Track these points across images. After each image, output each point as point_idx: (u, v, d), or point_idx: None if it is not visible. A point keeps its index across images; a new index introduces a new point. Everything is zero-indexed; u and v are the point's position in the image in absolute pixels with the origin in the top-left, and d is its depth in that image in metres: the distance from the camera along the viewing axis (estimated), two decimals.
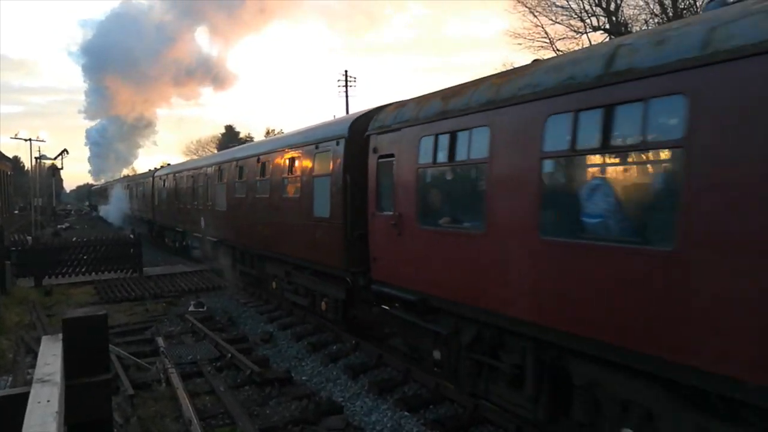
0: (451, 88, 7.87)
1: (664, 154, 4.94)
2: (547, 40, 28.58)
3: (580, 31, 27.83)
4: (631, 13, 26.97)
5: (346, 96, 43.90)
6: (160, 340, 10.96)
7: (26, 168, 72.25)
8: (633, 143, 4.98)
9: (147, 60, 56.46)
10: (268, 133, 71.74)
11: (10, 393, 3.19)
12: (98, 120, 78.43)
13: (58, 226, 44.07)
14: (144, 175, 35.89)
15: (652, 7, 25.83)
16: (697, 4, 24.28)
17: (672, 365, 4.51)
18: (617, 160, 5.42)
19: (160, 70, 58.07)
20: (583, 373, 5.59)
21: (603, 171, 5.51)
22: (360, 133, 9.60)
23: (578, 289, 5.35)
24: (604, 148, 5.17)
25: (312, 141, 11.41)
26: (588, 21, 27.55)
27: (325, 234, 10.54)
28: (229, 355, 10.00)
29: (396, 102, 9.36)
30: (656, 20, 25.91)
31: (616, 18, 27.05)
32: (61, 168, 59.96)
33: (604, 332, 5.07)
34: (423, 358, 8.55)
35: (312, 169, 11.29)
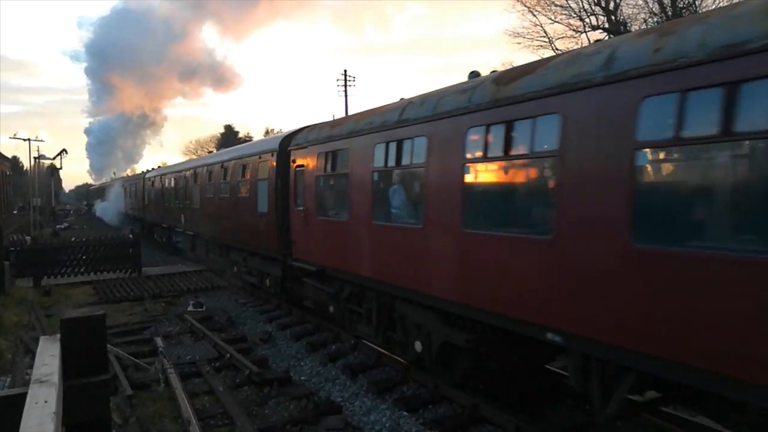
0: (336, 120, 12.22)
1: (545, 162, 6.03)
2: (547, 40, 28.61)
3: (580, 30, 27.88)
4: (630, 12, 27.02)
5: (345, 95, 43.94)
6: (159, 340, 10.96)
7: (25, 168, 72.24)
8: (522, 153, 6.22)
9: (152, 57, 56.45)
10: (267, 132, 71.75)
11: (8, 393, 3.19)
12: (99, 117, 77.21)
13: (57, 226, 44.04)
14: (137, 177, 38.89)
15: (651, 6, 25.85)
16: (696, 2, 24.30)
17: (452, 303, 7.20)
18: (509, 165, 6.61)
19: (165, 68, 58.07)
20: (401, 310, 8.67)
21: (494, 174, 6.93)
22: (286, 148, 12.65)
23: (390, 256, 8.54)
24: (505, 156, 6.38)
25: (257, 152, 14.53)
26: (587, 20, 27.60)
27: (265, 225, 13.51)
28: (228, 355, 10.00)
29: (309, 125, 12.45)
30: (655, 19, 25.90)
31: (615, 17, 27.06)
32: (60, 168, 59.99)
33: (415, 284, 7.90)
34: (325, 312, 11.58)
35: (257, 174, 14.14)
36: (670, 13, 25.06)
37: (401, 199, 8.41)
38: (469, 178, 6.94)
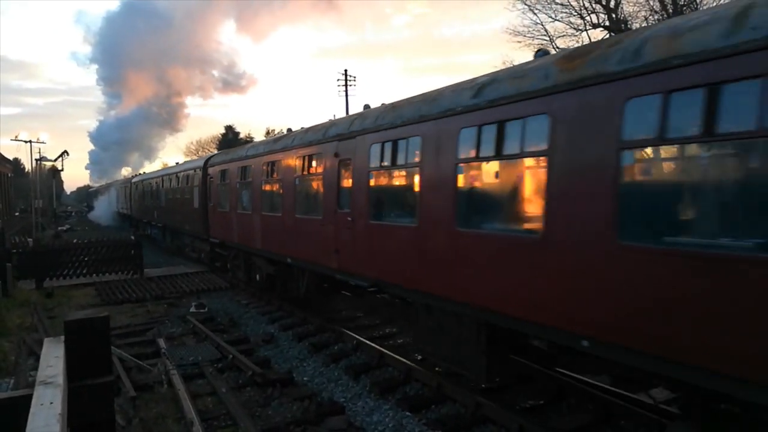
0: (250, 144, 17.96)
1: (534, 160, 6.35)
2: (547, 38, 28.59)
3: (580, 28, 27.86)
4: (631, 9, 27.00)
5: (346, 95, 43.95)
6: (162, 342, 10.97)
7: (27, 170, 72.25)
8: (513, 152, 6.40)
9: (163, 55, 56.61)
10: (268, 133, 71.78)
11: (13, 395, 3.19)
12: (113, 112, 75.59)
13: (59, 228, 44.08)
14: (126, 180, 44.93)
15: (651, 3, 25.82)
16: (697, 0, 24.27)
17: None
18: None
19: (176, 67, 58.22)
20: (255, 260, 15.08)
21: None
22: (206, 165, 19.37)
23: (245, 230, 15.22)
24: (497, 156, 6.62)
25: (193, 167, 21.46)
26: (588, 18, 27.58)
27: (197, 217, 19.96)
28: (231, 356, 10.01)
29: (218, 152, 20.34)
30: (656, 17, 25.86)
31: (616, 15, 27.04)
32: (62, 170, 59.94)
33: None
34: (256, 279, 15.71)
35: (193, 182, 20.86)
36: (671, 10, 25.02)
37: (246, 197, 15.23)
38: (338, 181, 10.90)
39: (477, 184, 7.35)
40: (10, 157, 53.26)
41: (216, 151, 63.03)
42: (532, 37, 28.98)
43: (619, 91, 5.00)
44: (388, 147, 8.68)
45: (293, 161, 12.14)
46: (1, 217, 29.47)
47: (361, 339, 10.49)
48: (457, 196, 7.12)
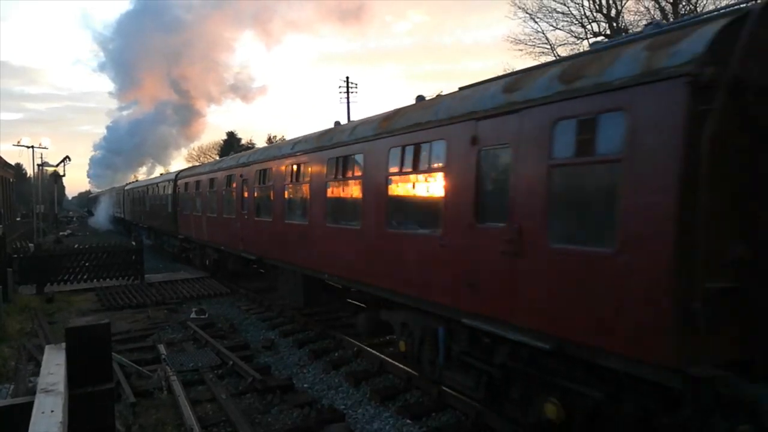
0: (200, 164, 27.55)
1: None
2: (548, 46, 28.67)
3: (581, 36, 27.95)
4: (632, 18, 27.05)
5: (348, 102, 44.05)
6: (162, 348, 10.96)
7: (28, 175, 72.24)
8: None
9: (179, 58, 56.85)
10: (269, 139, 71.97)
11: (14, 402, 3.20)
12: (127, 111, 74.97)
13: (60, 233, 44.12)
14: (121, 188, 48.07)
15: (652, 12, 25.89)
16: (698, 9, 24.36)
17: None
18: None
19: (192, 69, 58.42)
20: (206, 249, 20.71)
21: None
22: (176, 178, 24.14)
23: (197, 227, 20.75)
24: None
25: (168, 179, 25.94)
26: (589, 27, 27.67)
27: (171, 219, 24.66)
28: (231, 362, 10.00)
29: (187, 167, 27.39)
30: None
31: (617, 24, 27.13)
32: (63, 175, 60.00)
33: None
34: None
35: (167, 191, 25.55)
36: (671, 19, 25.12)
37: (198, 203, 20.25)
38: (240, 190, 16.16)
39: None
40: (13, 163, 53.26)
41: (217, 158, 64.66)
42: (534, 45, 29.11)
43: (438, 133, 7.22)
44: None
45: (221, 178, 17.50)
46: (2, 222, 29.58)
47: (362, 346, 10.48)
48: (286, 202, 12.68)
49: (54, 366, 3.19)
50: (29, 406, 2.65)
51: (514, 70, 7.27)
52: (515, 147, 5.88)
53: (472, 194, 6.45)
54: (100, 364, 3.48)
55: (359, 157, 9.25)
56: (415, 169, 7.72)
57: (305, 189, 11.36)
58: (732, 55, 4.22)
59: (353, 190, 9.53)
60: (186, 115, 64.37)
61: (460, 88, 7.64)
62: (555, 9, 27.96)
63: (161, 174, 35.95)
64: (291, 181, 12.12)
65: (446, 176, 6.95)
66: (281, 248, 12.60)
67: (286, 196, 12.46)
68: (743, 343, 4.47)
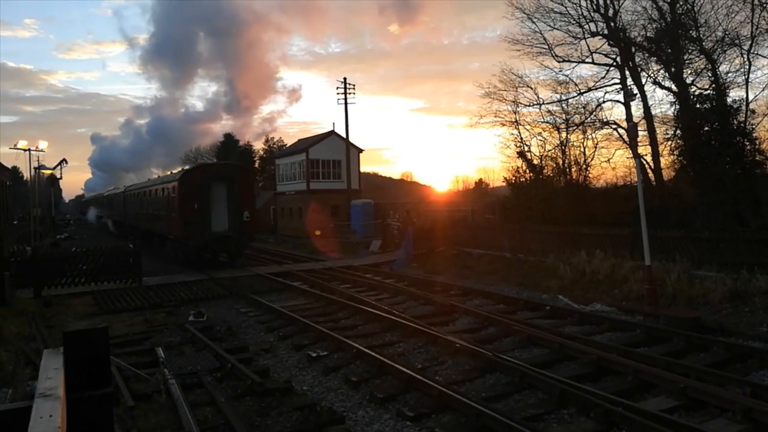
0: (135, 183, 45.64)
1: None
2: (546, 46, 28.63)
3: (579, 36, 27.86)
4: (630, 18, 26.99)
5: (345, 104, 43.99)
6: (160, 351, 10.92)
7: (25, 178, 72.14)
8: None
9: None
10: (266, 141, 72.10)
11: (12, 407, 3.16)
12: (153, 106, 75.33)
13: (57, 237, 44.04)
14: (118, 191, 51.07)
15: (650, 12, 25.90)
16: (695, 9, 24.40)
17: None
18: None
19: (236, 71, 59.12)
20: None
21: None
22: (186, 177, 25.93)
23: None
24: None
25: (168, 180, 28.34)
26: (586, 27, 27.61)
27: (123, 216, 42.76)
28: (230, 365, 9.96)
29: (135, 183, 46.10)
30: (654, 26, 25.99)
31: (615, 23, 27.13)
32: (60, 178, 60.02)
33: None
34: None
35: (166, 192, 28.61)
36: (669, 19, 25.16)
37: (133, 205, 37.91)
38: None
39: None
40: (9, 166, 53.18)
41: (216, 159, 65.88)
42: (531, 45, 29.00)
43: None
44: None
45: (141, 192, 31.57)
46: None
47: (361, 348, 10.45)
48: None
49: (52, 370, 3.16)
50: (27, 410, 2.62)
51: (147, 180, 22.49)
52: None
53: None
54: (99, 368, 3.45)
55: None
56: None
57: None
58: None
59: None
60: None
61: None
62: (552, 9, 27.91)
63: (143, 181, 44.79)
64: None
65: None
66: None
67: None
68: None
